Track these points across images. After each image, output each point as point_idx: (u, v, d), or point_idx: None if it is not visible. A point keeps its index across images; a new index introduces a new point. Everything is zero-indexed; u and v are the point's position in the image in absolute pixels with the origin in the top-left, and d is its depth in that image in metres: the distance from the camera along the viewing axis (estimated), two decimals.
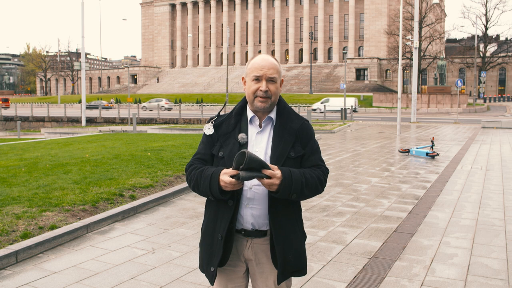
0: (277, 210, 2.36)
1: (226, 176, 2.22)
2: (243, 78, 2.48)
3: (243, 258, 2.46)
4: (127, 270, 4.70)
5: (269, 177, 2.22)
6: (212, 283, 2.47)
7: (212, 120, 2.48)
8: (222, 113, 2.52)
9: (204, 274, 2.54)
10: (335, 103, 45.20)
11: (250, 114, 2.43)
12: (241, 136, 2.37)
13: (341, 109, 32.94)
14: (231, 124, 2.43)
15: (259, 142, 2.40)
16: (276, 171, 2.23)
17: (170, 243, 5.53)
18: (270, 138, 2.41)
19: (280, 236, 2.37)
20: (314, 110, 45.52)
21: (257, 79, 2.37)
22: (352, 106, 40.38)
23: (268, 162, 2.33)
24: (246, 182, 2.34)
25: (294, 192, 2.28)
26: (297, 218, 2.49)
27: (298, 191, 2.29)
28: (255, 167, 2.18)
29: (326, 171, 2.47)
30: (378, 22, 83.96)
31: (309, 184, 2.33)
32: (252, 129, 2.42)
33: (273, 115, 2.43)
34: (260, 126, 2.42)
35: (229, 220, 2.35)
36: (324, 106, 39.75)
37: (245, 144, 2.37)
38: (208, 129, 2.46)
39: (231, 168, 2.24)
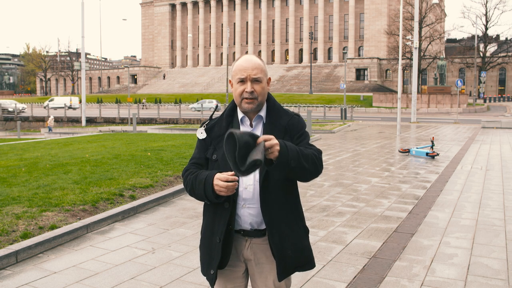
0: (271, 205, 2.34)
1: (219, 181, 2.22)
2: (230, 81, 2.47)
3: (242, 258, 2.46)
4: (127, 270, 4.70)
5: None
6: (212, 286, 2.47)
7: (204, 124, 2.49)
8: (214, 116, 2.52)
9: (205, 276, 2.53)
10: (60, 101, 59.51)
11: (240, 114, 2.44)
12: None
13: (341, 109, 33.02)
14: (223, 127, 2.43)
15: None
16: (269, 135, 2.14)
17: (170, 243, 5.53)
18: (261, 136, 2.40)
19: (275, 231, 2.35)
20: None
21: (242, 81, 2.35)
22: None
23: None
24: (240, 183, 2.33)
25: (292, 159, 2.17)
26: (294, 212, 2.46)
27: (295, 157, 2.18)
28: (249, 142, 2.06)
29: (318, 150, 2.39)
30: (378, 22, 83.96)
31: (304, 154, 2.25)
32: (244, 129, 2.42)
33: (263, 113, 2.43)
34: (251, 125, 2.43)
35: (226, 222, 2.35)
36: (50, 104, 49.28)
37: None
38: (201, 134, 2.47)
39: (228, 172, 2.22)
